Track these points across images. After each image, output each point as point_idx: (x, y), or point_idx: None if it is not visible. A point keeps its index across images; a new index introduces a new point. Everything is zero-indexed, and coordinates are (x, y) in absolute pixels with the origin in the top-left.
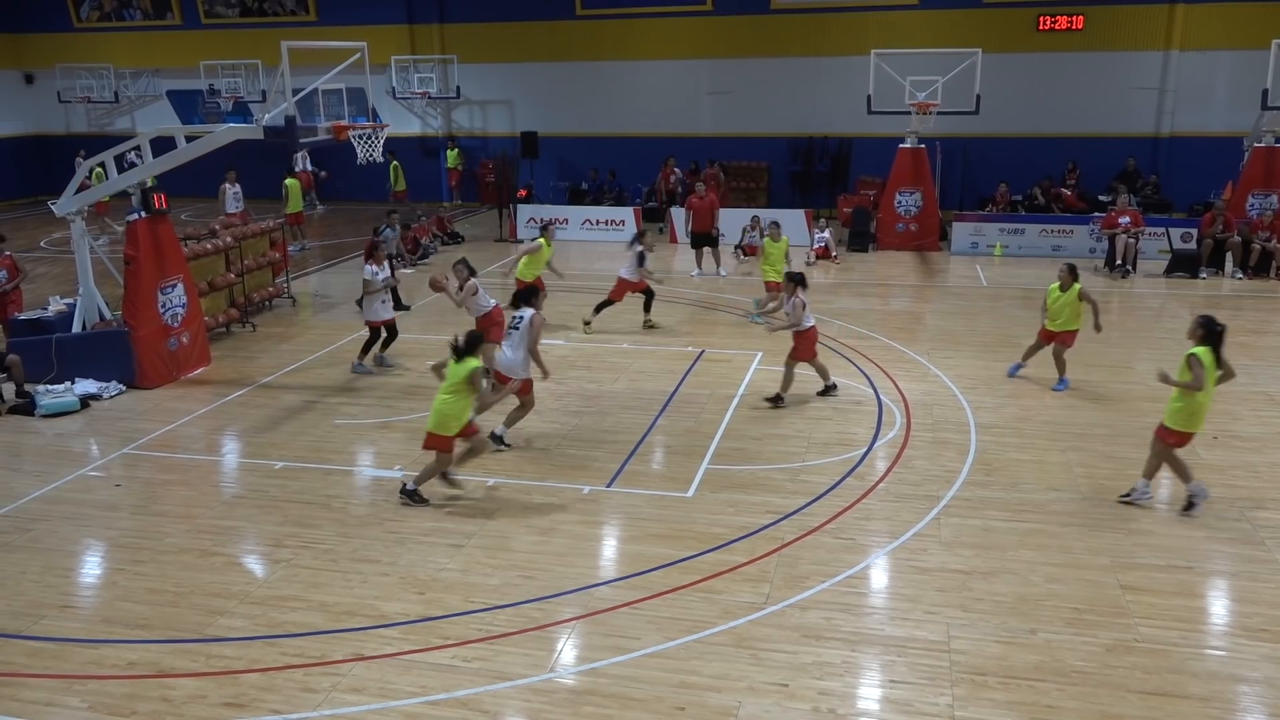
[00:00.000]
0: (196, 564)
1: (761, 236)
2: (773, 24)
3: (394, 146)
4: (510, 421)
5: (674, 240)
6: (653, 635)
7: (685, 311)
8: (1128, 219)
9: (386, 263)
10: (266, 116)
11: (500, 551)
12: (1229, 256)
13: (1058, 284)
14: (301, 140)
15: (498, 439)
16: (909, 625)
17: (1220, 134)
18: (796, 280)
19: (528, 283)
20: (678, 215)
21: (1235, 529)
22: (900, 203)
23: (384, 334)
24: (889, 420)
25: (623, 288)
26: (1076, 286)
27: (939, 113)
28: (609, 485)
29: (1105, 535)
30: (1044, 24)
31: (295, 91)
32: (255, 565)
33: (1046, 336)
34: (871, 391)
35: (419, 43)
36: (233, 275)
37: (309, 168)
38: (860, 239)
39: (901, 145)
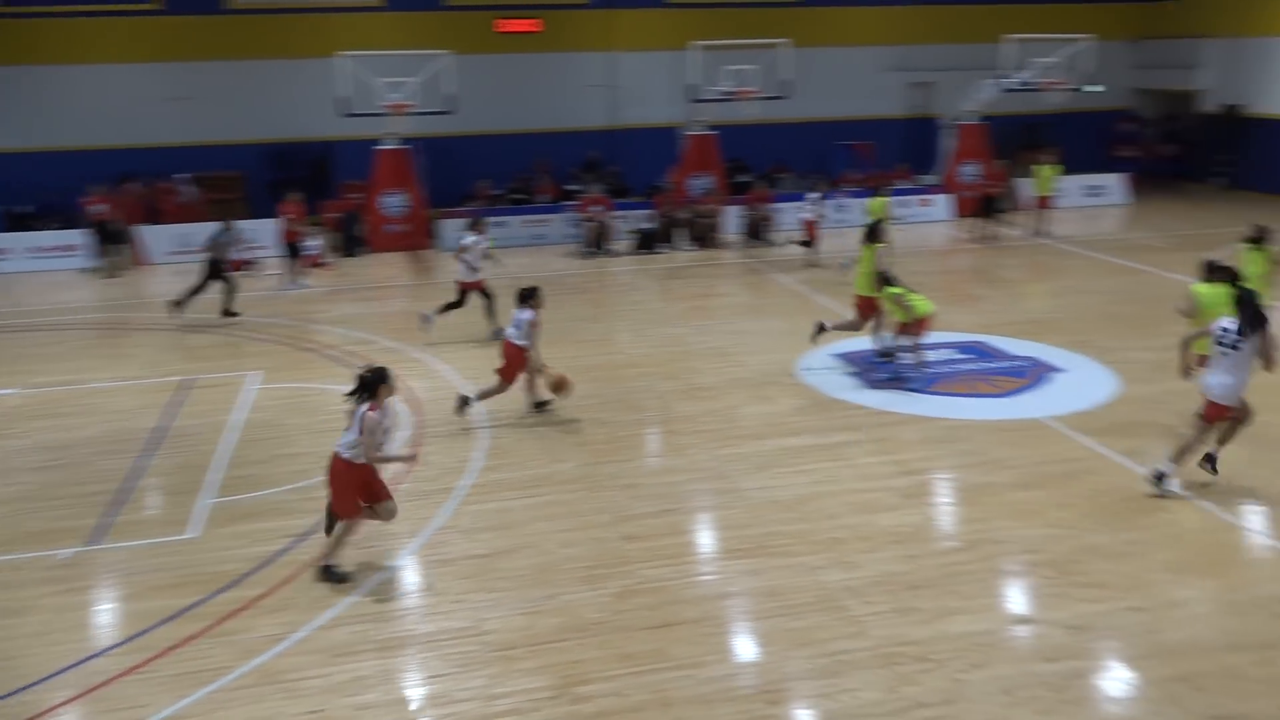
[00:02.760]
0: None
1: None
2: (229, 25)
3: None
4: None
5: (138, 263)
6: (165, 697)
7: (166, 338)
8: (601, 206)
9: None
10: None
11: None
12: (681, 233)
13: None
14: None
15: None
16: (439, 618)
17: (662, 125)
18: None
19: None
20: (152, 234)
21: (707, 468)
22: (386, 204)
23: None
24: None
25: None
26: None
27: (416, 113)
28: (93, 544)
29: (604, 494)
30: (502, 26)
31: None
32: None
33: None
34: None
35: None
36: None
37: None
38: (350, 243)
39: (382, 147)
